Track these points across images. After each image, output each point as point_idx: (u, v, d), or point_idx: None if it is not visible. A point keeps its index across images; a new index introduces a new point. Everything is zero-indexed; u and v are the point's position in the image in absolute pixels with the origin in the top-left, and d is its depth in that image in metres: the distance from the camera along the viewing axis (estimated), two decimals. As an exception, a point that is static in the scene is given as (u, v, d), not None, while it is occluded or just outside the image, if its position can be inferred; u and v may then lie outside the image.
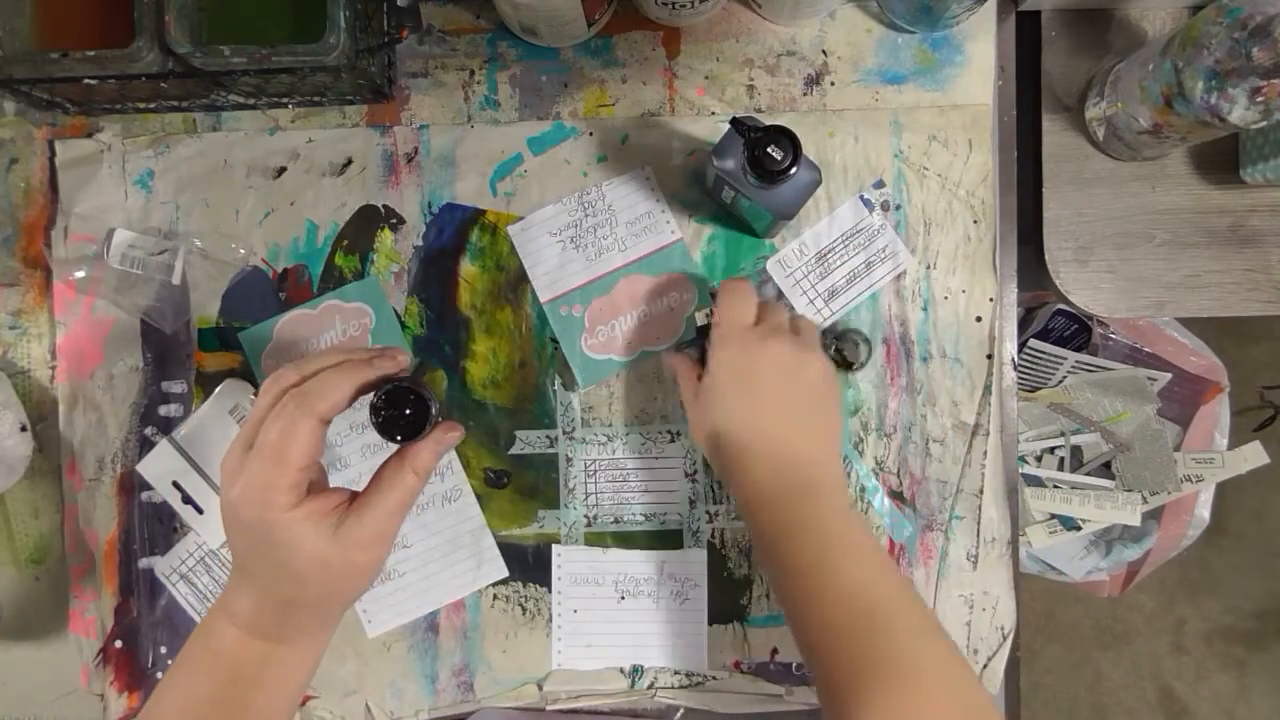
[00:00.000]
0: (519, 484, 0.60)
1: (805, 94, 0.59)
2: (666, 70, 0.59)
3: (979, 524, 0.59)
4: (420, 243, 0.60)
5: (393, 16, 0.59)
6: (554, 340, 0.59)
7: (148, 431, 0.60)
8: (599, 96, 0.60)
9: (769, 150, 0.47)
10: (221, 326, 0.60)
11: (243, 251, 0.59)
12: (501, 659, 0.59)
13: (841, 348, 0.57)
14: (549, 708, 0.60)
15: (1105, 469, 0.99)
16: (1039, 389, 0.98)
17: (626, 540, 0.59)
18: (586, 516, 0.60)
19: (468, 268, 0.60)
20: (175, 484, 0.58)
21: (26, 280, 0.60)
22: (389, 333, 0.60)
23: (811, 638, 0.44)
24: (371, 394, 0.45)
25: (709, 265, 0.59)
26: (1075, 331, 0.98)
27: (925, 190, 0.59)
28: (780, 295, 0.59)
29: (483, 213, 0.60)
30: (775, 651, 0.59)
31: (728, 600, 0.59)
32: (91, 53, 0.50)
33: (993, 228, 0.59)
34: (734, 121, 0.49)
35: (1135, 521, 0.95)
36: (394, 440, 0.45)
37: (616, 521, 0.59)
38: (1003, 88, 0.60)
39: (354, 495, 0.44)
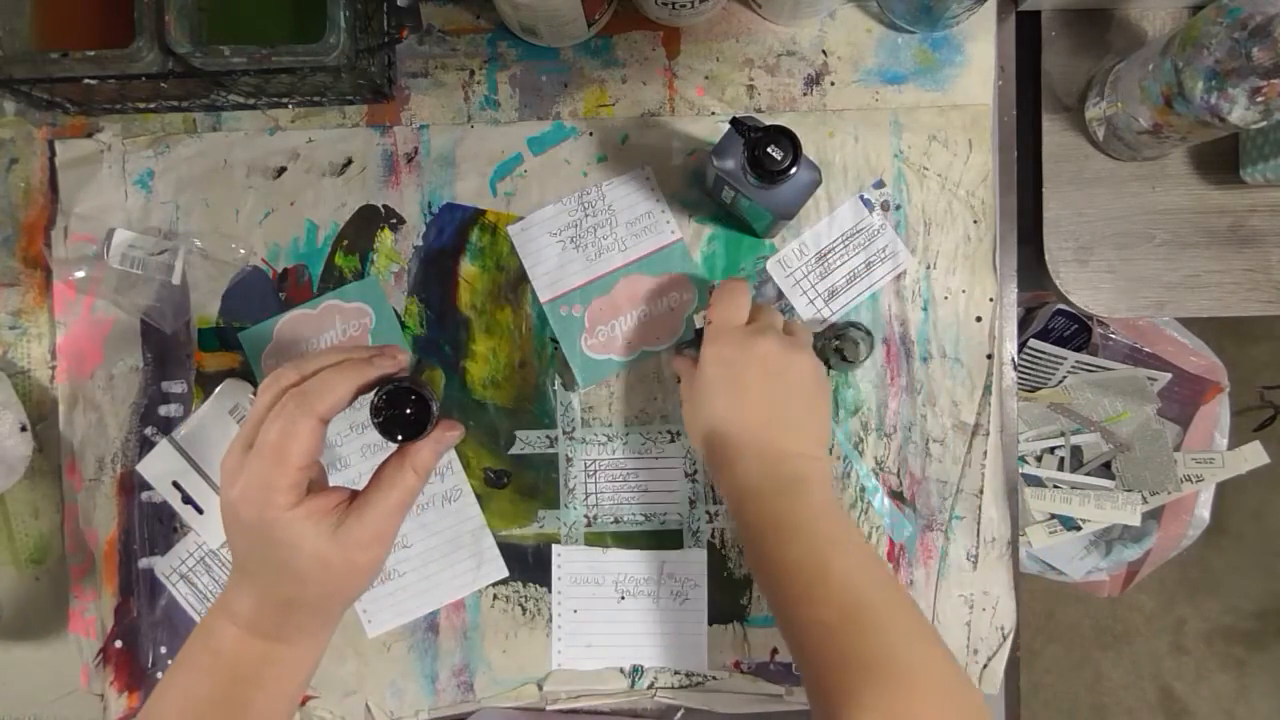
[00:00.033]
0: (519, 484, 0.60)
1: (805, 94, 0.59)
2: (666, 70, 0.59)
3: (979, 524, 0.59)
4: (420, 243, 0.60)
5: (393, 16, 0.59)
6: (554, 340, 0.59)
7: (148, 431, 0.60)
8: (599, 96, 0.60)
9: (769, 150, 0.47)
10: (221, 326, 0.60)
11: (243, 251, 0.59)
12: (501, 659, 0.59)
13: (842, 347, 0.57)
14: (549, 708, 0.60)
15: (1105, 469, 0.99)
16: (1039, 389, 0.98)
17: (626, 540, 0.59)
18: (586, 516, 0.60)
19: (468, 268, 0.60)
20: (175, 484, 0.58)
21: (26, 280, 0.60)
22: (389, 333, 0.60)
23: (800, 637, 0.44)
24: (371, 393, 0.45)
25: (709, 265, 0.59)
26: (1075, 331, 0.98)
27: (925, 190, 0.59)
28: (780, 295, 0.59)
29: (483, 213, 0.60)
30: (775, 651, 0.59)
31: (728, 600, 0.59)
32: (91, 53, 0.50)
33: (993, 228, 0.59)
34: (734, 121, 0.49)
35: (1135, 521, 0.95)
36: (394, 440, 0.45)
37: (616, 521, 0.59)
38: (1003, 88, 0.60)
39: (354, 494, 0.44)
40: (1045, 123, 0.64)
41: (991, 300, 0.59)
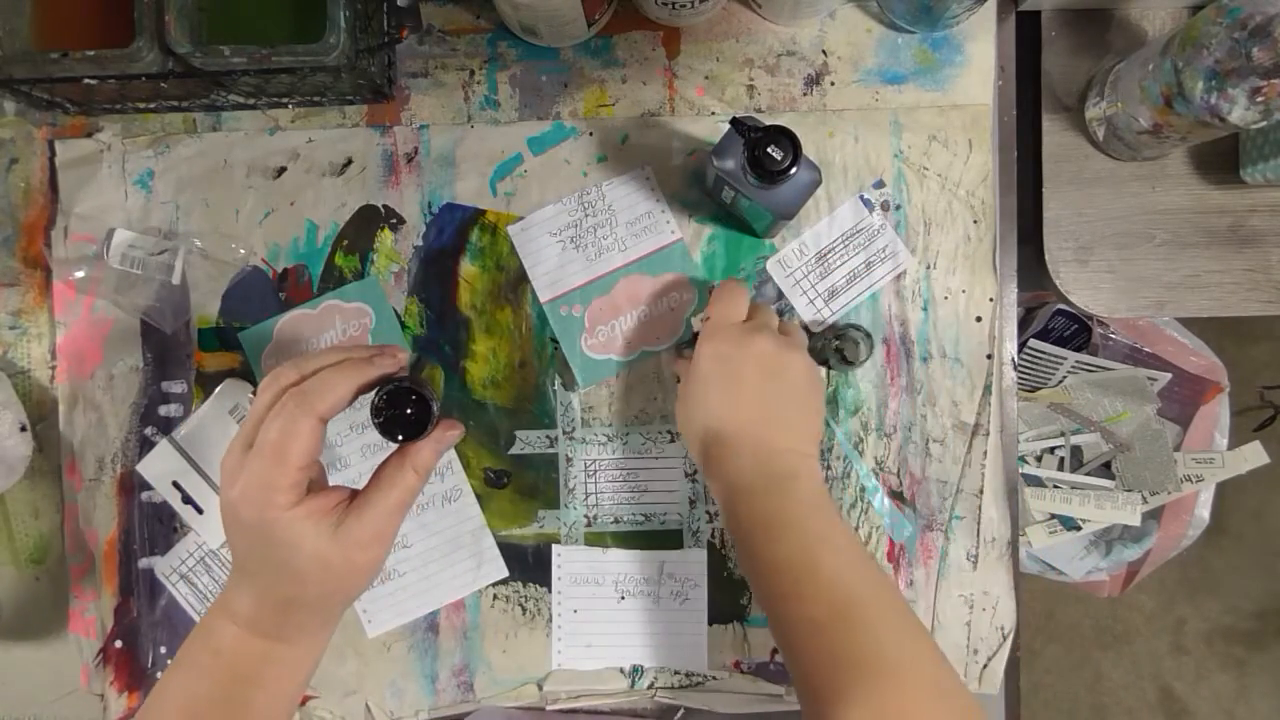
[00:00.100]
0: (519, 484, 0.60)
1: (805, 94, 0.59)
2: (666, 70, 0.59)
3: (979, 524, 0.59)
4: (420, 243, 0.60)
5: (393, 16, 0.59)
6: (554, 340, 0.59)
7: (148, 431, 0.60)
8: (599, 96, 0.60)
9: (769, 150, 0.47)
10: (221, 326, 0.60)
11: (243, 251, 0.59)
12: (501, 659, 0.59)
13: (842, 347, 0.57)
14: (549, 708, 0.60)
15: (1105, 469, 0.99)
16: (1039, 389, 0.98)
17: (626, 540, 0.59)
18: (586, 516, 0.60)
19: (468, 268, 0.60)
20: (175, 484, 0.59)
21: (26, 280, 0.60)
22: (389, 333, 0.60)
23: (790, 635, 0.44)
24: (372, 393, 0.45)
25: (709, 265, 0.59)
26: (1075, 331, 0.98)
27: (925, 190, 0.59)
28: (780, 295, 0.59)
29: (483, 213, 0.60)
30: (775, 652, 0.59)
31: (728, 600, 0.59)
32: (91, 53, 0.50)
33: (993, 228, 0.59)
34: (734, 121, 0.49)
35: (1135, 521, 0.95)
36: (395, 440, 0.45)
37: (616, 521, 0.59)
38: (1003, 88, 0.60)
39: (354, 494, 0.44)
40: (1045, 123, 0.64)
41: (991, 300, 0.59)
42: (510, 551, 0.60)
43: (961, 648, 0.59)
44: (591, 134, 0.59)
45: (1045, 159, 0.63)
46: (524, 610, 0.60)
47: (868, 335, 0.58)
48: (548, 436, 0.60)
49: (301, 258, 0.60)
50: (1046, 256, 0.64)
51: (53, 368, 0.60)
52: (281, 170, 0.60)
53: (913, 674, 0.42)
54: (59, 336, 0.60)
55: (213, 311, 0.60)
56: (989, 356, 0.59)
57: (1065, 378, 0.97)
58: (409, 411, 0.44)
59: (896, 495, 0.59)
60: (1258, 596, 1.42)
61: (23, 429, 0.58)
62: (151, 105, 0.59)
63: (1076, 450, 0.98)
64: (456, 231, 0.60)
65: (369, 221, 0.60)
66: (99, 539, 0.60)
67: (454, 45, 0.60)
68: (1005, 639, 0.59)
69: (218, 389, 0.58)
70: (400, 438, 0.45)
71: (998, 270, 0.59)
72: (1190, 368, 0.98)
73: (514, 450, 0.60)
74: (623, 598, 0.59)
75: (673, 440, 0.59)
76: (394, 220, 0.60)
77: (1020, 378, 0.96)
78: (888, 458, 0.59)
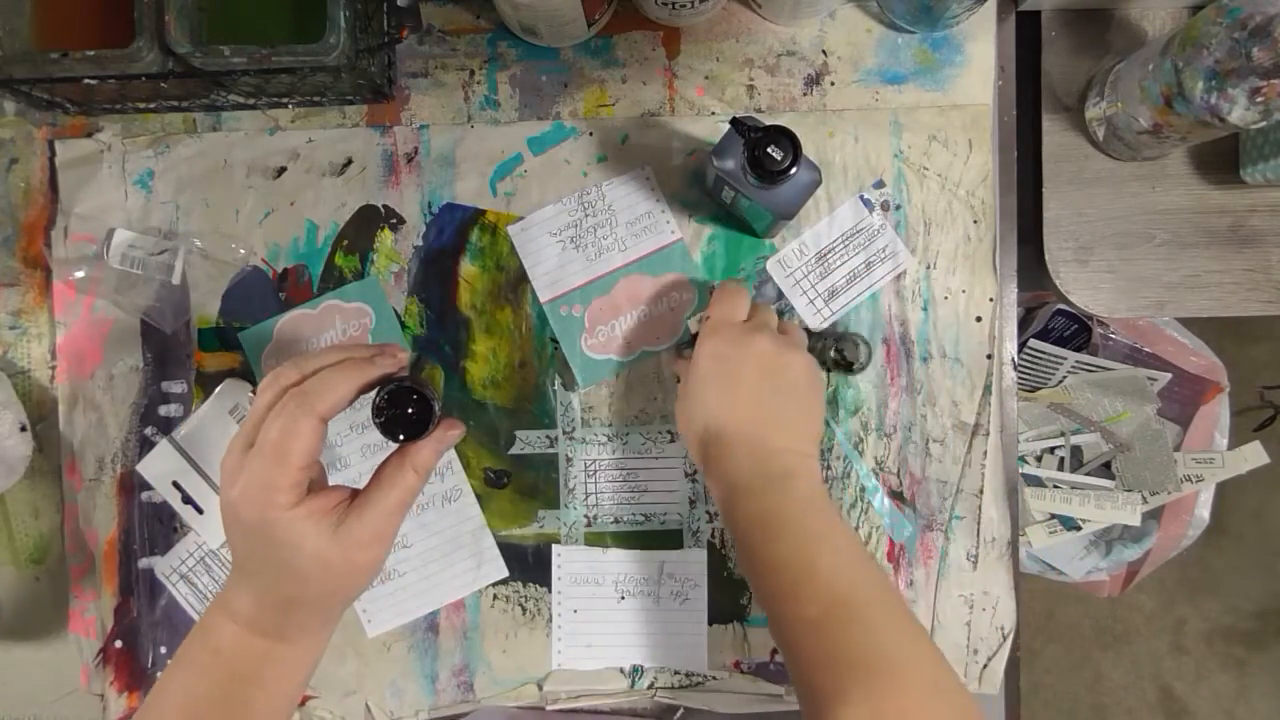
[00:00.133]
0: (519, 484, 0.60)
1: (805, 94, 0.59)
2: (666, 70, 0.59)
3: (979, 524, 0.59)
4: (420, 243, 0.60)
5: (393, 16, 0.59)
6: (554, 340, 0.59)
7: (148, 431, 0.60)
8: (599, 96, 0.60)
9: (769, 150, 0.47)
10: (221, 326, 0.60)
11: (243, 251, 0.59)
12: (501, 659, 0.59)
13: (842, 348, 0.57)
14: (549, 708, 0.59)
15: (1105, 469, 0.99)
16: (1039, 389, 0.98)
17: (626, 540, 0.59)
18: (586, 516, 0.60)
19: (468, 268, 0.60)
20: (175, 484, 0.59)
21: (26, 280, 0.60)
22: (389, 333, 0.60)
23: (788, 634, 0.44)
24: (373, 393, 0.45)
25: (709, 265, 0.59)
26: (1075, 331, 0.98)
27: (925, 190, 0.59)
28: (780, 295, 0.59)
29: (483, 213, 0.60)
30: (775, 651, 0.59)
31: (728, 600, 0.59)
32: (91, 53, 0.50)
33: (993, 228, 0.59)
34: (734, 121, 0.49)
35: (1135, 521, 0.95)
36: (396, 440, 0.45)
37: (616, 521, 0.59)
38: (1003, 88, 0.60)
39: (354, 493, 0.44)
40: (1045, 123, 0.64)
41: (991, 300, 0.59)
42: (510, 551, 0.60)
43: (961, 648, 0.59)
44: (591, 134, 0.59)
45: (1045, 159, 0.63)
46: (524, 610, 0.60)
47: (866, 343, 0.58)
48: (548, 436, 0.60)
49: (301, 258, 0.60)
50: (1046, 256, 0.64)
51: (53, 368, 0.60)
52: (281, 170, 0.60)
53: (911, 673, 0.42)
54: (59, 336, 0.60)
55: (213, 311, 0.60)
56: (989, 356, 0.59)
57: (1065, 378, 0.97)
58: (410, 411, 0.44)
59: (896, 495, 0.59)
60: (1258, 596, 1.42)
61: (23, 429, 0.58)
62: (151, 105, 0.59)
63: (1076, 450, 0.98)
64: (456, 231, 0.60)
65: (369, 221, 0.60)
66: (99, 539, 0.60)
67: (454, 45, 0.60)
68: (1005, 639, 0.59)
69: (218, 389, 0.58)
70: (401, 437, 0.45)
71: (998, 270, 0.59)
72: (1190, 368, 0.98)
73: (514, 450, 0.60)
74: (623, 598, 0.59)
75: (673, 440, 0.59)
76: (394, 220, 0.60)
77: (1020, 378, 0.96)
78: (888, 458, 0.59)
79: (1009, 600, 0.59)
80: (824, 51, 0.59)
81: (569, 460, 0.60)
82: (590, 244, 0.59)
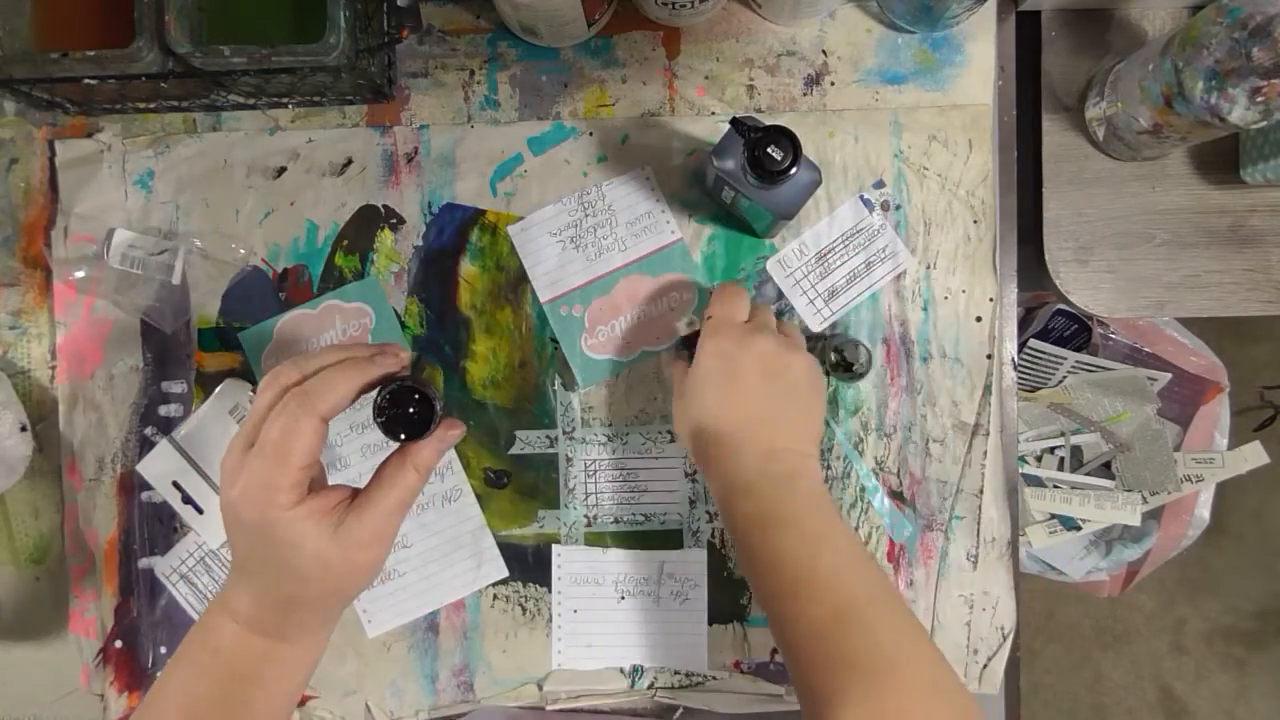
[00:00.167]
0: (519, 484, 0.60)
1: (805, 94, 0.59)
2: (666, 70, 0.59)
3: (979, 524, 0.59)
4: (420, 243, 0.60)
5: (393, 16, 0.59)
6: (554, 340, 0.59)
7: (148, 431, 0.60)
8: (599, 96, 0.60)
9: (769, 150, 0.47)
10: (221, 326, 0.60)
11: (243, 251, 0.59)
12: (501, 659, 0.59)
13: (842, 350, 0.57)
14: (549, 708, 0.59)
15: (1105, 469, 0.99)
16: (1039, 389, 0.98)
17: (626, 540, 0.59)
18: (586, 516, 0.60)
19: (468, 268, 0.60)
20: (175, 484, 0.59)
21: (26, 280, 0.60)
22: (389, 333, 0.60)
23: (788, 634, 0.44)
24: (374, 392, 0.45)
25: (709, 265, 0.59)
26: (1075, 331, 0.98)
27: (925, 190, 0.59)
28: (780, 295, 0.59)
29: (483, 213, 0.60)
30: (775, 651, 0.59)
31: (728, 600, 0.59)
32: (91, 53, 0.50)
33: (993, 228, 0.59)
34: (734, 121, 0.49)
35: (1135, 521, 0.95)
36: (397, 439, 0.45)
37: (616, 521, 0.59)
38: (1003, 88, 0.60)
39: (354, 493, 0.44)
40: (1045, 123, 0.64)
41: (991, 300, 0.59)
42: (510, 551, 0.60)
43: (961, 648, 0.59)
44: (591, 134, 0.59)
45: (1045, 159, 0.63)
46: (524, 610, 0.60)
47: (867, 348, 0.58)
48: (548, 436, 0.60)
49: (301, 258, 0.60)
50: (1046, 256, 0.64)
51: (53, 368, 0.60)
52: (281, 170, 0.60)
53: (910, 673, 0.42)
54: (59, 336, 0.60)
55: (213, 311, 0.60)
56: (989, 356, 0.59)
57: (1065, 378, 0.97)
58: (412, 411, 0.44)
59: (896, 495, 0.59)
60: (1258, 596, 1.42)
61: (23, 429, 0.58)
62: (151, 105, 0.59)
63: (1076, 450, 0.98)
64: (456, 231, 0.60)
65: (369, 221, 0.60)
66: (99, 539, 0.60)
67: (454, 45, 0.60)
68: (1005, 639, 0.59)
69: (218, 389, 0.58)
70: (403, 437, 0.45)
71: (998, 270, 0.59)
72: (1190, 368, 0.98)
73: (514, 450, 0.60)
74: (623, 598, 0.59)
75: (673, 440, 0.59)
76: (394, 220, 0.60)
77: (1020, 378, 0.96)
78: (888, 458, 0.59)
79: (1009, 600, 0.59)
80: (824, 51, 0.59)
81: (569, 460, 0.60)
82: (590, 244, 0.59)
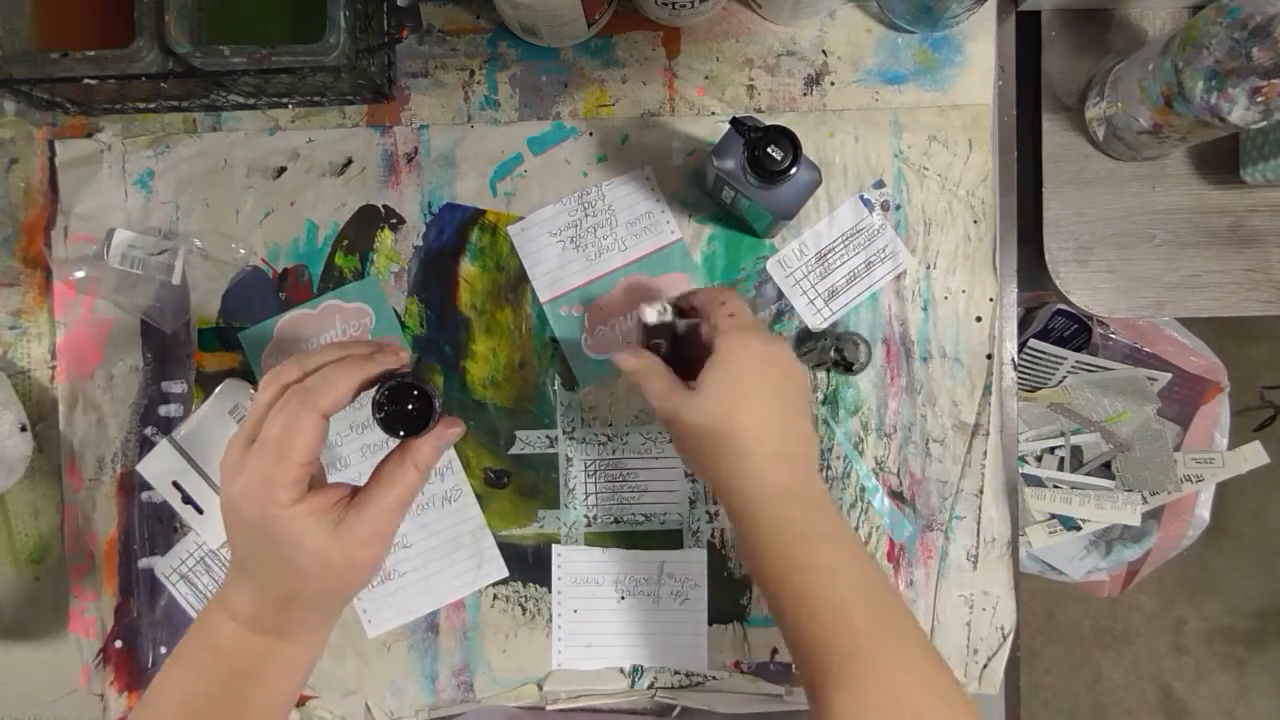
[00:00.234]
0: (519, 484, 0.60)
1: (805, 94, 0.59)
2: (666, 70, 0.59)
3: (979, 524, 0.59)
4: (420, 243, 0.60)
5: (393, 16, 0.59)
6: (554, 340, 0.59)
7: (148, 431, 0.60)
8: (599, 96, 0.60)
9: (769, 150, 0.47)
10: (221, 326, 0.60)
11: (243, 251, 0.59)
12: (501, 659, 0.59)
13: (842, 348, 0.57)
14: (549, 708, 0.59)
15: (1105, 469, 0.99)
16: (1039, 389, 0.98)
17: (626, 540, 0.59)
18: (586, 516, 0.60)
19: (468, 268, 0.60)
20: (175, 484, 0.59)
21: (26, 280, 0.60)
22: (389, 333, 0.60)
23: (787, 619, 0.45)
24: (373, 390, 0.45)
25: (709, 265, 0.59)
26: (1075, 331, 0.98)
27: (925, 190, 0.59)
28: (780, 295, 0.59)
29: (483, 213, 0.60)
30: (775, 651, 0.59)
31: (728, 600, 0.59)
32: (91, 53, 0.50)
33: (993, 228, 0.59)
34: (734, 121, 0.49)
35: (1135, 521, 0.95)
36: (397, 436, 0.45)
37: (616, 521, 0.59)
38: (1003, 88, 0.60)
39: (354, 491, 0.44)
40: (1045, 123, 0.64)
41: (991, 300, 0.59)
42: (510, 551, 0.60)
43: (961, 648, 0.59)
44: (591, 134, 0.59)
45: (1045, 159, 0.63)
46: (524, 610, 0.60)
47: (867, 342, 0.58)
48: (548, 436, 0.60)
49: (301, 258, 0.60)
50: (1046, 256, 0.64)
51: (53, 368, 0.60)
52: (281, 170, 0.60)
53: (901, 661, 0.43)
54: (59, 336, 0.60)
55: (213, 311, 0.60)
56: (989, 356, 0.59)
57: (1065, 378, 0.97)
58: (411, 408, 0.44)
59: (896, 495, 0.59)
60: (1258, 596, 1.42)
61: (23, 429, 0.58)
62: (151, 105, 0.59)
63: (1076, 450, 0.98)
64: (456, 231, 0.60)
65: (369, 221, 0.60)
66: (99, 539, 0.60)
67: (454, 45, 0.60)
68: (1005, 639, 0.59)
69: (218, 389, 0.58)
70: (402, 433, 0.45)
71: (998, 270, 0.59)
72: (1190, 368, 0.98)
73: (514, 450, 0.60)
74: (623, 598, 0.59)
75: (671, 441, 0.59)
76: (394, 220, 0.60)
77: (1020, 378, 0.96)
78: (888, 458, 0.59)
79: (1009, 600, 0.59)
80: (824, 51, 0.59)
81: (569, 460, 0.60)
82: (590, 244, 0.59)
